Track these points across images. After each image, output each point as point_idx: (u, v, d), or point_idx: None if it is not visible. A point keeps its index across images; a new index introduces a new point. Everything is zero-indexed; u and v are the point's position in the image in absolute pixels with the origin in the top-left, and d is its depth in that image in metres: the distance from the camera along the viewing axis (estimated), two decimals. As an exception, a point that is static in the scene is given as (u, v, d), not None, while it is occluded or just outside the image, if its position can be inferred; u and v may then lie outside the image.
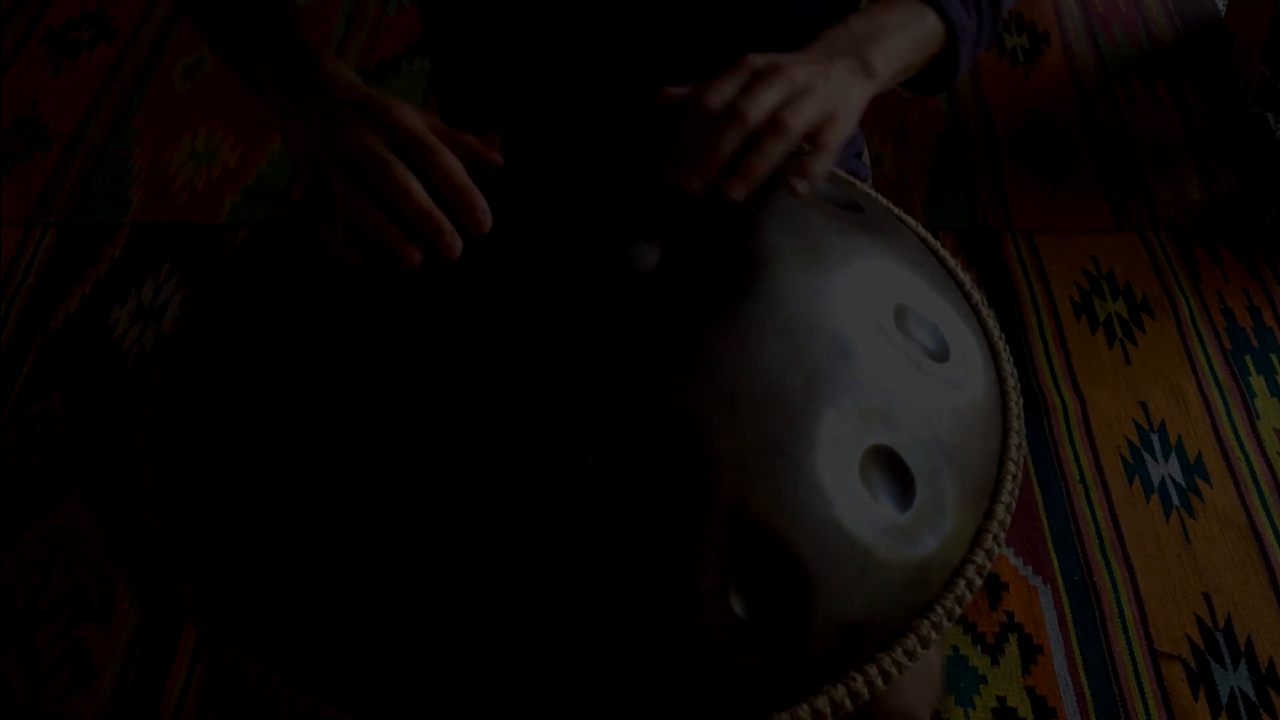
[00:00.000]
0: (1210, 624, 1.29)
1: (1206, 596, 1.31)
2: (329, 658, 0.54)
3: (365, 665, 0.53)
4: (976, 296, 0.71)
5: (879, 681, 0.54)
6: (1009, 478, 0.62)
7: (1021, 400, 0.66)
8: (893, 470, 0.57)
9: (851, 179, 0.78)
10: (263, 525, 0.57)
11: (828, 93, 0.65)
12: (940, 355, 0.63)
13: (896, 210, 0.76)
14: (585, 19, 0.81)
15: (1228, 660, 1.26)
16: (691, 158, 0.61)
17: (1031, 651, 1.27)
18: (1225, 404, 1.50)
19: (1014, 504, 0.62)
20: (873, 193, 0.77)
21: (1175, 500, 1.40)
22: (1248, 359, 1.55)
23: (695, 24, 0.80)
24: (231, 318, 0.67)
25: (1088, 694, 1.23)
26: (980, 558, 0.58)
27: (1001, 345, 0.68)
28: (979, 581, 0.58)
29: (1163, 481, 1.42)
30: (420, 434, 0.56)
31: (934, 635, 0.56)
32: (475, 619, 0.52)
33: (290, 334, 0.63)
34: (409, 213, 0.60)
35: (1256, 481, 1.41)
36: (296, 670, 0.54)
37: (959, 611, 0.57)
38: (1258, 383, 1.52)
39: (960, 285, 0.71)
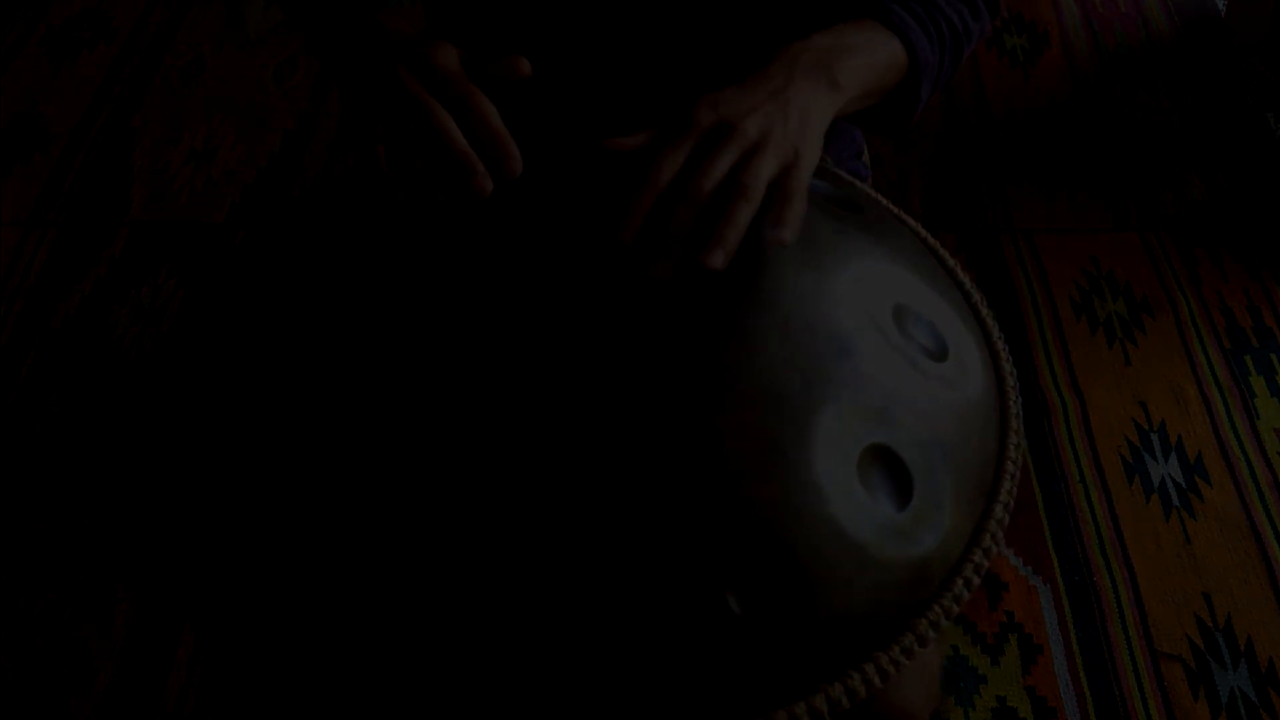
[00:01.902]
0: (1210, 624, 1.29)
1: (1206, 596, 1.31)
2: (328, 657, 0.54)
3: (364, 665, 0.53)
4: (976, 296, 0.71)
5: (877, 680, 0.54)
6: (1007, 477, 0.62)
7: (1021, 400, 0.66)
8: (891, 469, 0.57)
9: (851, 179, 0.78)
10: (261, 524, 0.57)
11: (785, 136, 0.62)
12: (939, 354, 0.63)
13: (896, 210, 0.76)
14: (592, 17, 0.81)
15: (1228, 660, 1.26)
16: (653, 246, 0.59)
17: (1031, 651, 1.27)
18: (1225, 404, 1.50)
19: (1013, 503, 0.62)
20: (873, 192, 0.77)
21: (1175, 500, 1.40)
22: (1248, 359, 1.55)
23: (703, 22, 0.80)
24: (231, 317, 0.67)
25: (1088, 694, 1.23)
26: (979, 557, 0.58)
27: (1001, 345, 0.68)
28: (977, 580, 0.58)
29: (1163, 481, 1.42)
30: (418, 435, 0.56)
31: (932, 634, 0.56)
32: (476, 621, 0.52)
33: (290, 332, 0.63)
34: (444, 154, 0.61)
35: (1256, 481, 1.41)
36: (296, 670, 0.54)
37: (957, 610, 0.57)
38: (1258, 383, 1.52)
39: (960, 285, 0.71)
